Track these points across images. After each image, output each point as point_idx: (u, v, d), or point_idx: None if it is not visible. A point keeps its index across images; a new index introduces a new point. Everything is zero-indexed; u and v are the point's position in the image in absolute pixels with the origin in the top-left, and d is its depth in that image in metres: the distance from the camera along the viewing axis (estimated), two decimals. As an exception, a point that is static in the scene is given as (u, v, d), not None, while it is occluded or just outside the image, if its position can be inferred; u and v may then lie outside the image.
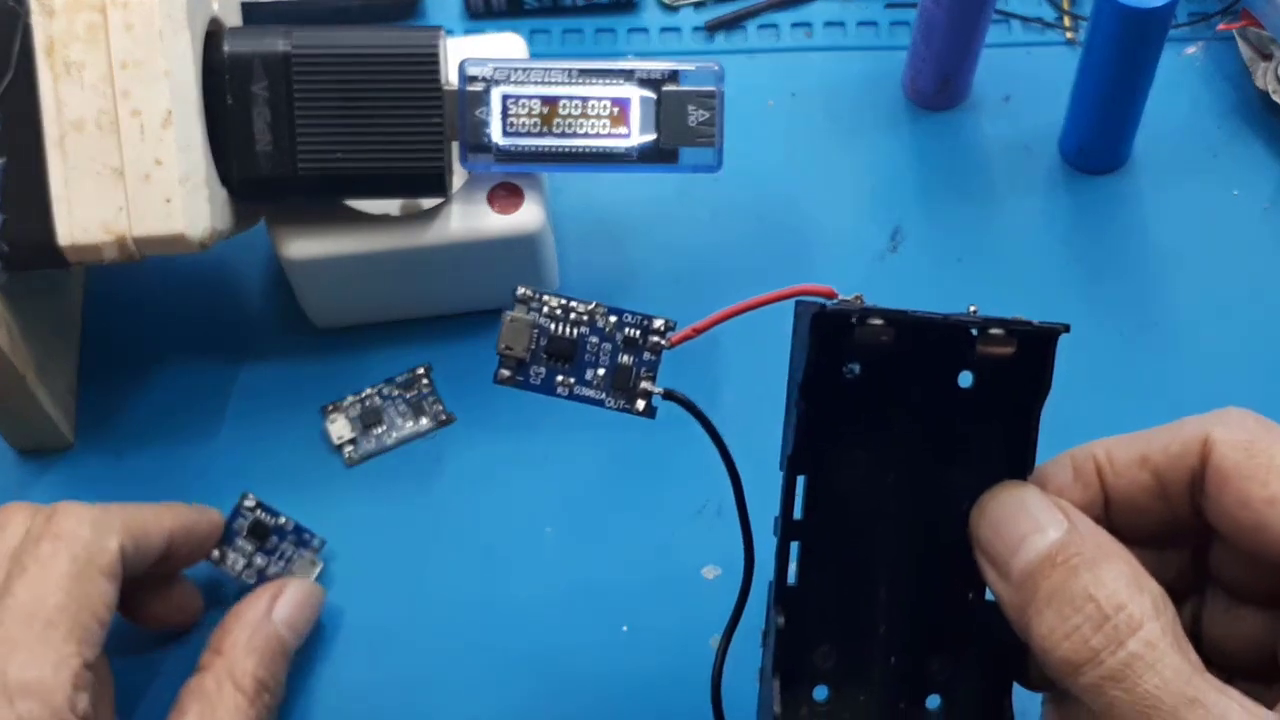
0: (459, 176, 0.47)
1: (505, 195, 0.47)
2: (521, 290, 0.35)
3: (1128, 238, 0.53)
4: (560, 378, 0.36)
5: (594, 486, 0.49)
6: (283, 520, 0.46)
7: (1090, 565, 0.30)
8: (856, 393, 0.37)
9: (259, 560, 0.46)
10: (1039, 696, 0.36)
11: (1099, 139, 0.54)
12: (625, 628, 0.46)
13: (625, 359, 0.36)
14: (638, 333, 0.36)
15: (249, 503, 0.46)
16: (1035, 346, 0.36)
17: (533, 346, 0.35)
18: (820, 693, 0.37)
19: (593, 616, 0.46)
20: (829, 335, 0.36)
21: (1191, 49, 0.57)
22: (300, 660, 0.45)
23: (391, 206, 0.47)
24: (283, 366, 0.51)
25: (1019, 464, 0.37)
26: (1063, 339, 0.38)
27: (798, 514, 0.37)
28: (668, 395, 0.36)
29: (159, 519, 0.42)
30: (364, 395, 0.50)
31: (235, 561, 0.46)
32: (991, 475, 0.36)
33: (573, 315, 0.35)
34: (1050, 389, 0.37)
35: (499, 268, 0.49)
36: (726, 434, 0.36)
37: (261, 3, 0.55)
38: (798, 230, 0.53)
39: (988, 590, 0.35)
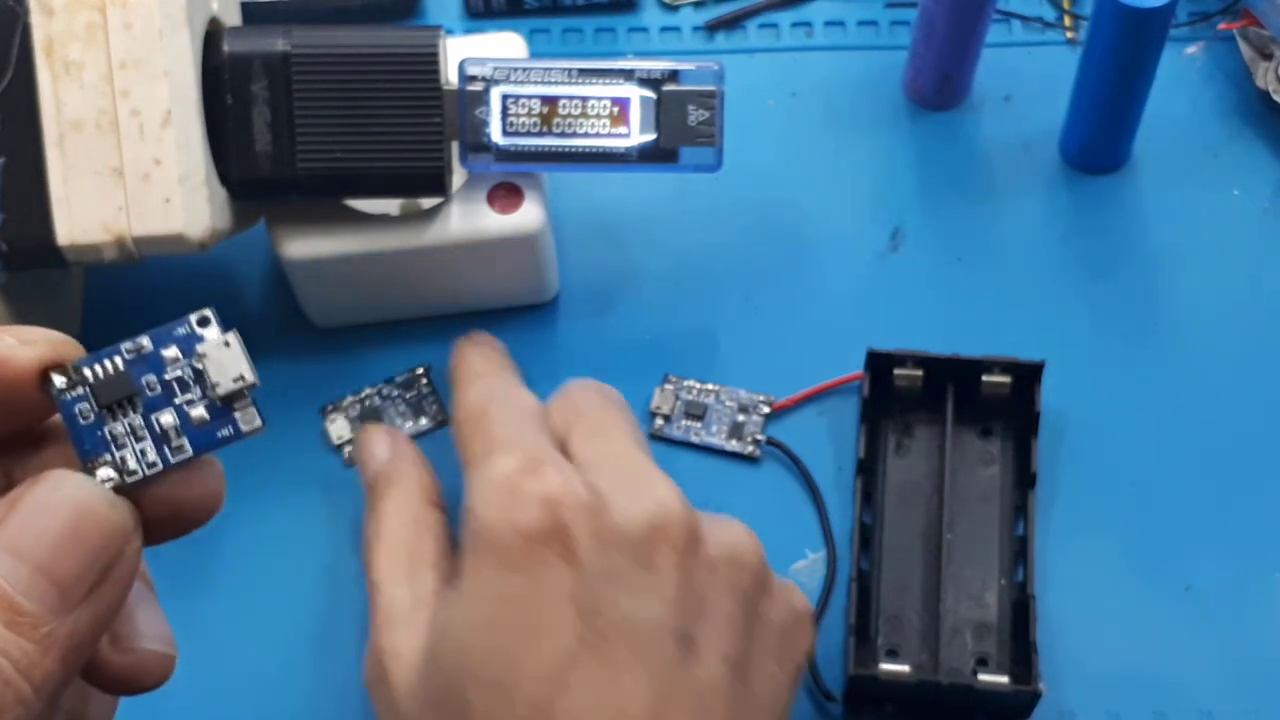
0: (458, 176, 0.47)
1: (505, 195, 0.47)
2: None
3: (1128, 238, 0.53)
4: None
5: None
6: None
7: None
8: (904, 414, 0.48)
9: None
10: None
11: (1099, 139, 0.54)
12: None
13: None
14: None
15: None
16: (1025, 379, 0.47)
17: None
18: (888, 656, 0.44)
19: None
20: (878, 370, 0.47)
21: (1192, 49, 0.57)
22: (288, 662, 0.45)
23: (391, 206, 0.47)
24: (282, 366, 0.51)
25: (1024, 470, 0.47)
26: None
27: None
28: None
29: None
30: (363, 395, 0.50)
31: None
32: (1007, 478, 0.47)
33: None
34: (1040, 412, 0.47)
35: (499, 268, 0.49)
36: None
37: (261, 2, 0.55)
38: (798, 230, 0.53)
39: (1018, 573, 0.45)
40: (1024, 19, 0.58)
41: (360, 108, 0.44)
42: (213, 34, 0.44)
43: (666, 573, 0.36)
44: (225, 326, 0.27)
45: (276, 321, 0.52)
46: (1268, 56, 0.55)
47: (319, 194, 0.46)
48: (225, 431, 0.27)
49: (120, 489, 0.26)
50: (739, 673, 0.37)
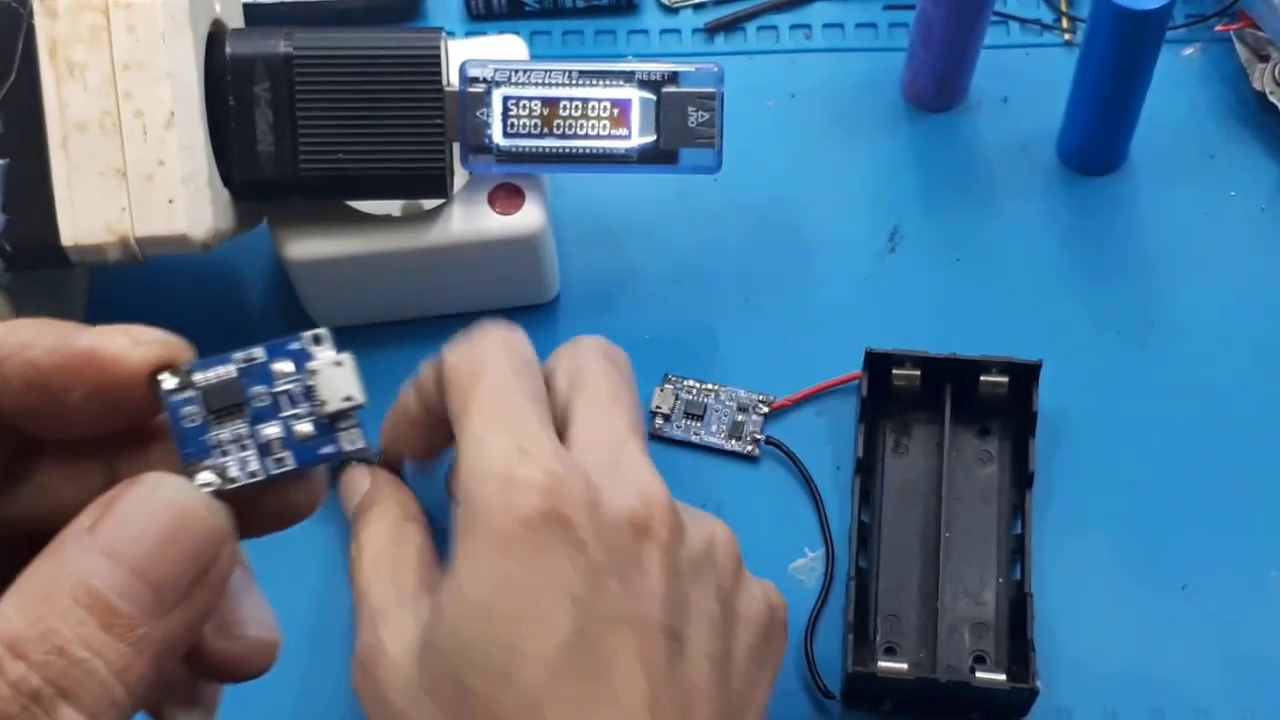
0: (460, 177, 0.47)
1: (506, 196, 0.48)
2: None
3: (1125, 238, 0.53)
4: None
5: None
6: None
7: None
8: (902, 413, 0.48)
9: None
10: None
11: (1097, 140, 0.54)
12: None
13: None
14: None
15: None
16: (1023, 379, 0.47)
17: None
18: (887, 654, 0.45)
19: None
20: (877, 370, 0.47)
21: (1189, 50, 0.57)
22: (280, 664, 0.45)
23: (393, 207, 0.48)
24: (284, 366, 0.51)
25: (1021, 469, 0.47)
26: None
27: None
28: None
29: None
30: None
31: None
32: (1004, 477, 0.47)
33: None
34: (1037, 413, 0.47)
35: (500, 268, 0.49)
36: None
37: (263, 4, 0.55)
38: (797, 231, 0.54)
39: (1015, 572, 0.46)
40: (1022, 21, 0.58)
41: (362, 109, 0.44)
42: (215, 36, 0.44)
43: (654, 569, 0.36)
44: (339, 348, 0.27)
45: (278, 322, 0.52)
46: (1264, 58, 0.55)
47: (321, 195, 0.46)
48: (328, 449, 0.27)
49: (219, 494, 0.26)
50: (721, 672, 0.37)
